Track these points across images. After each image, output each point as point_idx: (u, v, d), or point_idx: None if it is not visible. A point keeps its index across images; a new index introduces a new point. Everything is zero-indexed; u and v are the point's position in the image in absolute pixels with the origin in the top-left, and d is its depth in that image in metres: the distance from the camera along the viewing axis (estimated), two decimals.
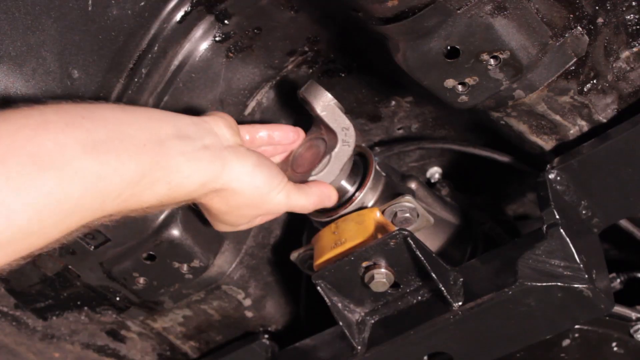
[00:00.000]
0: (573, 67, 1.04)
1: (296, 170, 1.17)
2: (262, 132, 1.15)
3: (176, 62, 1.19)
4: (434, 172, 1.51)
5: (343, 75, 1.31)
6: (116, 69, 1.13)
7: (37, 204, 0.77)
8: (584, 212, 1.09)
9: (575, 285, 0.98)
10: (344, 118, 1.14)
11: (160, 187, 0.91)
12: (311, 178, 1.14)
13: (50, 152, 0.79)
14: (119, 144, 0.86)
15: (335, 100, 1.13)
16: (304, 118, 1.22)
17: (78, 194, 0.81)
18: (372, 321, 1.14)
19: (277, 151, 1.19)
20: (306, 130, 1.21)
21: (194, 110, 1.23)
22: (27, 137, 0.78)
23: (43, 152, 0.78)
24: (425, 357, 1.13)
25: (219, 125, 1.02)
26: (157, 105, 1.20)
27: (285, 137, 1.18)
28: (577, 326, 1.24)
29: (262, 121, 1.30)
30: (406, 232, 1.04)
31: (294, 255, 1.24)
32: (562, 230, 0.99)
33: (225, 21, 1.18)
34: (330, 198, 1.15)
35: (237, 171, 0.99)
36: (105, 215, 0.88)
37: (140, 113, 0.94)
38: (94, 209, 0.84)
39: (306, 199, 1.10)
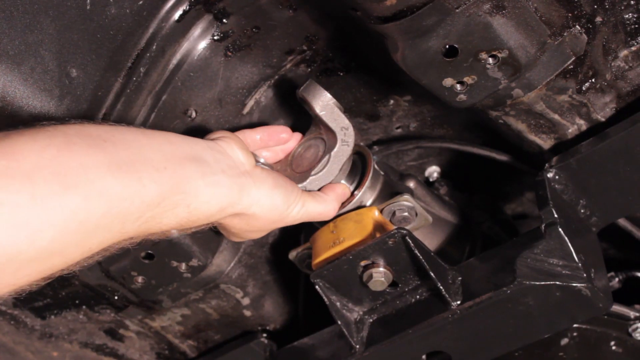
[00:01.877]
0: (571, 66, 1.05)
1: (295, 170, 1.17)
2: (254, 136, 1.16)
3: (174, 61, 1.19)
4: (433, 171, 1.51)
5: (341, 74, 1.31)
6: (114, 68, 1.12)
7: (61, 224, 0.76)
8: (582, 211, 1.09)
9: (574, 284, 0.98)
10: (343, 118, 1.14)
11: (180, 210, 0.91)
12: (311, 177, 1.14)
13: (74, 172, 0.79)
14: (141, 166, 0.86)
15: (334, 100, 1.13)
16: (303, 117, 1.22)
17: (100, 214, 0.80)
18: (371, 320, 1.14)
19: (277, 154, 1.20)
20: (305, 130, 1.21)
21: (193, 108, 1.23)
22: (52, 156, 0.78)
23: (68, 172, 0.78)
24: (424, 356, 1.14)
25: (232, 148, 1.03)
26: (155, 105, 1.20)
27: (277, 138, 1.18)
28: (575, 325, 1.24)
29: (260, 120, 1.30)
30: (404, 231, 1.04)
31: (292, 254, 1.24)
32: (560, 229, 0.99)
33: (224, 20, 1.18)
34: (345, 195, 1.16)
35: (256, 196, 1.00)
36: (125, 239, 0.88)
37: (160, 136, 0.95)
38: (115, 231, 0.84)
39: (325, 206, 1.11)
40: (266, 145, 1.18)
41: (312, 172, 1.14)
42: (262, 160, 1.14)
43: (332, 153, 1.14)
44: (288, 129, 1.19)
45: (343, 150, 1.14)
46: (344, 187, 1.16)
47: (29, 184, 0.74)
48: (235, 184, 0.98)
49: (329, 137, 1.16)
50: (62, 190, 0.77)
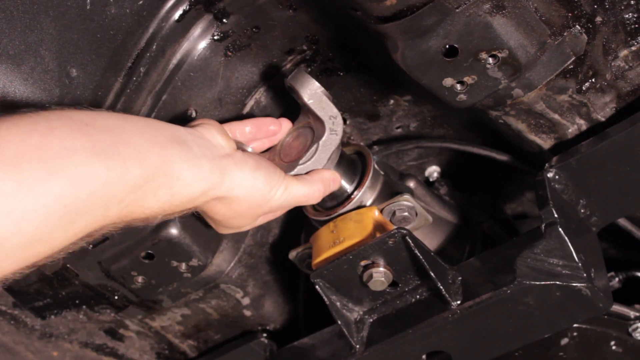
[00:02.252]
0: (572, 66, 1.05)
1: (283, 160, 1.17)
2: (243, 128, 1.16)
3: (174, 60, 1.19)
4: (433, 171, 1.51)
5: (341, 74, 1.31)
6: (114, 68, 1.12)
7: (47, 209, 0.77)
8: (582, 210, 1.09)
9: (574, 284, 0.98)
10: (331, 106, 1.13)
11: (162, 193, 0.92)
12: (299, 167, 1.13)
13: (59, 157, 0.79)
14: (124, 149, 0.86)
15: (322, 89, 1.13)
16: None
17: (84, 198, 0.81)
18: (371, 320, 1.14)
19: (265, 145, 1.20)
20: (293, 119, 1.21)
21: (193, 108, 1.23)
22: (36, 141, 0.78)
23: (52, 157, 0.78)
24: (424, 356, 1.14)
25: (212, 133, 1.03)
26: (155, 105, 1.20)
27: (265, 130, 1.18)
28: (575, 325, 1.24)
29: None
30: (405, 231, 1.04)
31: (292, 254, 1.24)
32: (560, 229, 0.99)
33: (224, 20, 1.18)
34: (335, 182, 1.15)
35: (237, 178, 1.00)
36: (109, 223, 0.88)
37: (141, 121, 0.95)
38: (98, 214, 0.85)
39: (309, 188, 1.10)
40: (255, 137, 1.18)
41: (300, 161, 1.13)
42: (250, 150, 1.14)
43: (320, 142, 1.13)
44: (276, 120, 1.19)
45: (331, 139, 1.13)
46: (332, 173, 1.15)
47: (14, 171, 0.75)
48: (217, 167, 0.98)
49: (318, 126, 1.15)
50: (47, 176, 0.77)
